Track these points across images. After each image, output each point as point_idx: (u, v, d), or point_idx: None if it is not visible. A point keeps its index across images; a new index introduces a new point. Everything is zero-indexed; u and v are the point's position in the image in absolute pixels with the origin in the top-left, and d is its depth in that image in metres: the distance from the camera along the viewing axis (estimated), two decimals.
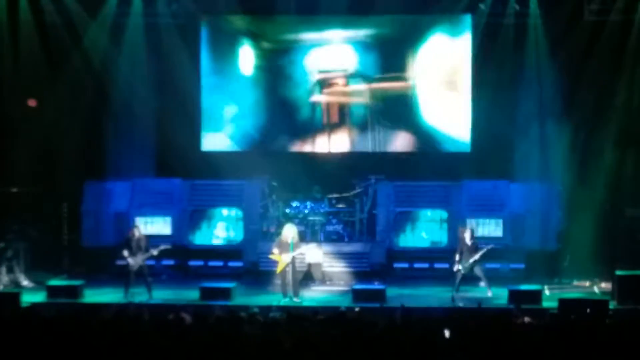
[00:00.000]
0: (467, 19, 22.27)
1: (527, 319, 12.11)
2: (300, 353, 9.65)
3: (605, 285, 18.89)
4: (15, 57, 21.85)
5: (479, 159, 21.98)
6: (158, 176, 22.53)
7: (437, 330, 10.71)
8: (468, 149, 22.38)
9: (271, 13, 22.56)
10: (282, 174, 21.81)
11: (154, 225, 21.28)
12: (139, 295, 17.85)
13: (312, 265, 20.06)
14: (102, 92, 22.17)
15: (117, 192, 21.98)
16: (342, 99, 22.72)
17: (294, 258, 18.03)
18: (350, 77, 22.66)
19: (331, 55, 22.63)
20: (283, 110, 22.73)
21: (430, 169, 21.93)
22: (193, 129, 22.72)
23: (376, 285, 18.42)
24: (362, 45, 22.56)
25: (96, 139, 22.23)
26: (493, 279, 18.66)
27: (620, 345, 10.05)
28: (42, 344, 10.08)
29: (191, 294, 18.11)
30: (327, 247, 20.64)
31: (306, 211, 21.51)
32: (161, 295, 18.28)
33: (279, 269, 17.98)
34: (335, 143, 22.78)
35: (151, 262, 19.02)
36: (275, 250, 18.08)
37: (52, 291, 17.98)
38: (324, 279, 20.22)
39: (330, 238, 21.43)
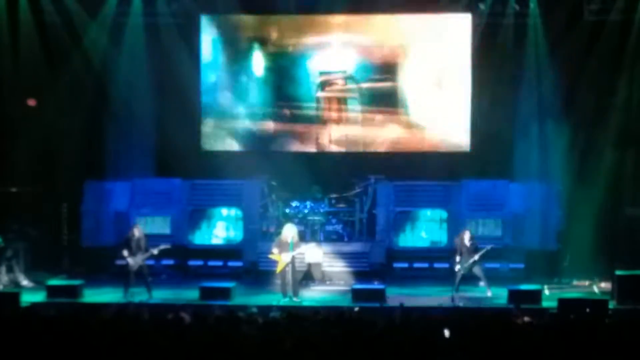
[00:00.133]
0: (467, 19, 22.26)
1: (526, 319, 12.11)
2: (300, 353, 9.65)
3: (605, 285, 18.89)
4: (15, 57, 21.85)
5: (478, 158, 21.98)
6: (158, 176, 22.53)
7: (436, 329, 10.71)
8: (468, 149, 22.38)
9: (271, 13, 22.59)
10: (282, 173, 21.79)
11: (154, 225, 21.24)
12: (139, 295, 17.85)
13: (311, 265, 20.05)
14: (102, 92, 22.17)
15: (116, 192, 21.98)
16: (342, 99, 22.71)
17: (293, 258, 18.04)
18: (350, 77, 22.65)
19: (331, 55, 22.64)
20: (283, 109, 22.71)
21: (430, 168, 21.93)
22: (193, 128, 22.72)
23: (376, 285, 18.43)
24: (362, 45, 22.56)
25: (96, 139, 22.23)
26: (493, 278, 18.66)
27: (619, 345, 10.06)
28: (42, 344, 10.09)
29: (191, 294, 18.11)
30: (327, 247, 20.62)
31: (306, 211, 21.50)
32: (161, 295, 18.28)
33: (278, 268, 17.99)
34: (335, 142, 22.78)
35: (151, 262, 19.02)
36: (275, 250, 18.08)
37: (52, 291, 17.99)
38: (324, 278, 20.21)
39: (330, 238, 21.42)
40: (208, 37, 22.84)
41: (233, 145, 22.93)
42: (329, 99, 22.70)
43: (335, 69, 22.65)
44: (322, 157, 22.66)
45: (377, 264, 21.07)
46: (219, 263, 21.46)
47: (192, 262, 21.56)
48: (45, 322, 11.46)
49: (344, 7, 22.25)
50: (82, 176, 21.83)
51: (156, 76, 22.34)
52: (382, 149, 22.59)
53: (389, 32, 22.57)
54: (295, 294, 17.93)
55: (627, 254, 19.47)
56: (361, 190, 21.78)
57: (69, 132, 21.86)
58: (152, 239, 18.85)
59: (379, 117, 22.58)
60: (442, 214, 21.68)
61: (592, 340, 10.27)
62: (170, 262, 21.05)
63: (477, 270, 18.25)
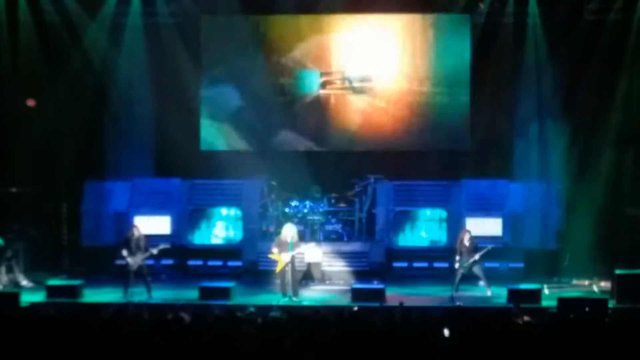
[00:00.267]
0: (467, 19, 22.27)
1: (526, 318, 12.12)
2: (300, 353, 9.66)
3: (605, 284, 18.88)
4: (15, 57, 21.87)
5: (478, 158, 21.99)
6: (157, 176, 22.54)
7: (436, 329, 10.72)
8: (468, 148, 22.39)
9: (271, 13, 22.59)
10: (281, 173, 21.79)
11: (153, 225, 21.23)
12: (138, 295, 17.85)
13: (311, 265, 20.05)
14: (102, 91, 22.18)
15: (116, 192, 21.99)
16: (342, 99, 22.72)
17: (293, 257, 18.04)
18: (351, 76, 22.66)
19: (332, 56, 22.65)
20: (283, 109, 22.72)
21: (430, 168, 21.95)
22: (192, 128, 22.73)
23: (375, 285, 18.42)
24: (362, 45, 22.58)
25: (96, 139, 22.24)
26: (492, 278, 18.65)
27: (619, 344, 10.06)
28: (42, 344, 10.09)
29: (190, 294, 18.11)
30: (327, 247, 20.62)
31: (305, 210, 21.50)
32: (160, 294, 18.28)
33: (278, 268, 17.98)
34: (335, 142, 22.80)
35: (150, 262, 19.01)
36: (275, 250, 18.08)
37: (52, 291, 17.98)
38: (324, 278, 20.21)
39: (330, 237, 21.41)
40: (208, 37, 22.84)
41: (232, 145, 22.92)
42: (329, 97, 22.69)
43: (335, 69, 22.65)
44: (321, 157, 22.66)
45: (376, 264, 21.08)
46: (219, 263, 21.47)
47: (191, 262, 21.57)
48: (45, 322, 11.47)
49: (344, 6, 22.25)
50: (82, 176, 21.84)
51: (156, 76, 22.35)
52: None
53: (388, 32, 22.57)
54: (295, 293, 17.92)
55: (627, 253, 19.47)
56: (361, 189, 21.78)
57: (69, 132, 21.87)
58: (152, 239, 18.84)
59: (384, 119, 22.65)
60: (441, 213, 21.69)
61: (591, 339, 10.27)
62: (170, 262, 21.06)
63: (477, 269, 18.26)
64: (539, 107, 21.66)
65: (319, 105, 22.75)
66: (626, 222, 20.39)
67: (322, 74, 22.67)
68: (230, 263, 21.41)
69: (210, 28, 22.88)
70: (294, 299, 17.77)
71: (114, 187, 22.03)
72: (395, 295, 17.66)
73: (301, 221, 21.12)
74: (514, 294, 17.21)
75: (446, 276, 19.71)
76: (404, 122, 22.65)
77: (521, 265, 20.78)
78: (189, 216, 21.93)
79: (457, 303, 17.15)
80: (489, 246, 18.35)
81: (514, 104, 21.80)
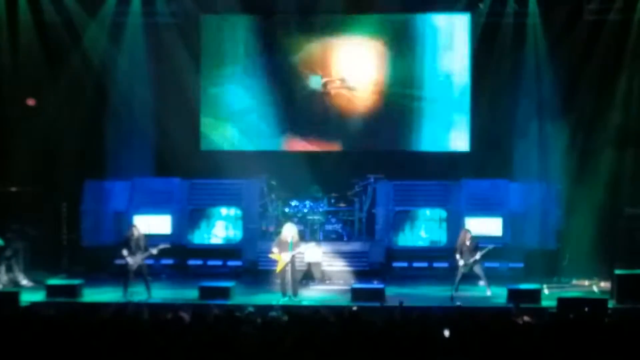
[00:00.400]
0: (466, 19, 22.27)
1: (526, 318, 12.10)
2: (300, 352, 9.66)
3: (604, 284, 18.89)
4: (15, 56, 21.86)
5: (478, 158, 22.00)
6: (157, 175, 22.55)
7: (436, 329, 10.72)
8: (467, 148, 22.40)
9: (271, 13, 22.59)
10: (281, 172, 21.81)
11: (153, 225, 21.22)
12: (138, 295, 17.85)
13: (311, 265, 20.05)
14: (102, 91, 22.18)
15: (116, 192, 21.99)
16: (342, 99, 22.72)
17: (293, 257, 18.04)
18: (350, 77, 22.66)
19: (332, 57, 22.66)
20: (283, 109, 22.72)
21: (430, 168, 21.96)
22: (192, 128, 22.74)
23: (375, 285, 18.42)
24: (362, 45, 22.58)
25: (96, 139, 22.22)
26: (492, 277, 18.65)
27: (619, 345, 10.06)
28: (42, 343, 10.09)
29: (190, 293, 18.11)
30: (326, 246, 20.62)
31: (305, 210, 21.51)
32: (160, 294, 18.28)
33: (278, 268, 17.99)
34: (335, 141, 22.81)
35: (150, 262, 19.02)
36: (275, 250, 18.08)
37: (52, 290, 17.98)
38: (323, 278, 20.21)
39: (330, 237, 21.43)
40: (208, 37, 22.83)
41: (232, 145, 22.93)
42: (329, 97, 22.70)
43: (335, 70, 22.66)
44: (321, 157, 22.66)
45: (376, 264, 21.08)
46: (219, 262, 21.47)
47: (191, 262, 21.57)
48: (45, 321, 11.46)
49: (343, 6, 22.24)
50: (82, 176, 21.84)
51: (156, 76, 22.36)
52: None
53: (388, 31, 22.58)
54: (295, 293, 17.93)
55: (627, 253, 19.45)
56: (360, 189, 21.78)
57: (69, 131, 21.87)
58: (152, 239, 18.85)
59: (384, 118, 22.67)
60: (441, 213, 21.69)
61: (591, 339, 10.27)
62: (170, 261, 21.06)
63: (477, 269, 18.26)
64: (539, 107, 21.67)
65: (319, 105, 22.74)
66: (626, 222, 20.37)
67: (322, 75, 22.66)
68: (230, 263, 21.42)
69: (210, 28, 22.87)
70: (294, 298, 17.78)
71: (113, 186, 22.03)
72: (395, 295, 17.66)
73: (301, 221, 21.13)
74: (513, 294, 17.21)
75: (446, 276, 19.72)
76: (404, 122, 22.65)
77: (521, 265, 20.79)
78: (189, 216, 21.93)
79: (457, 303, 17.15)
80: (490, 246, 18.36)
81: (513, 104, 21.80)
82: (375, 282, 19.07)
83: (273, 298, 17.78)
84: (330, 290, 19.38)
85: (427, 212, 21.84)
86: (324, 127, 22.78)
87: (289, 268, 17.94)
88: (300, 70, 22.69)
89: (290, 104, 22.73)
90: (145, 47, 22.35)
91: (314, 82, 22.66)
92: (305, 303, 17.54)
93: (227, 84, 22.88)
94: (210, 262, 21.50)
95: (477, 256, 18.10)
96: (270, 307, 15.35)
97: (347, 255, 20.75)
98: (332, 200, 21.84)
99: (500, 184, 21.57)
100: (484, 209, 21.24)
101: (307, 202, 21.58)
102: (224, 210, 22.16)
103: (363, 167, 22.16)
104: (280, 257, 17.93)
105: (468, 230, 18.59)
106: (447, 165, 22.05)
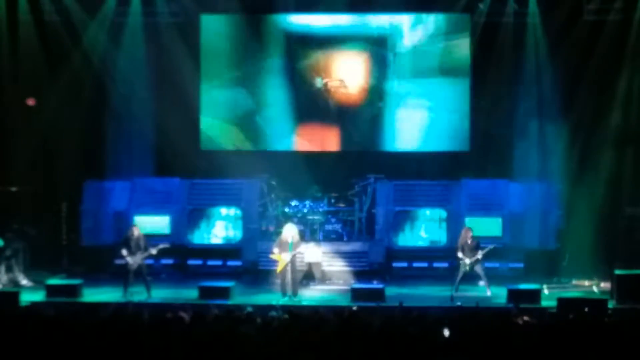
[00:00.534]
0: (466, 19, 22.27)
1: (526, 318, 12.09)
2: (299, 352, 9.65)
3: (604, 285, 18.88)
4: (15, 56, 21.86)
5: (478, 158, 22.00)
6: (157, 175, 22.55)
7: (436, 329, 10.72)
8: (467, 148, 22.40)
9: (270, 12, 22.59)
10: (281, 172, 21.81)
11: (153, 225, 21.22)
12: (138, 294, 17.86)
13: (312, 265, 20.04)
14: (102, 91, 22.19)
15: (116, 191, 22.00)
16: (343, 98, 22.73)
17: (293, 257, 18.04)
18: (350, 77, 22.67)
19: (332, 59, 22.67)
20: (283, 109, 22.73)
21: (430, 168, 21.96)
22: (192, 128, 22.73)
23: (375, 285, 18.43)
24: (362, 44, 22.58)
25: (96, 139, 22.23)
26: (492, 277, 18.65)
27: (619, 345, 10.06)
28: (41, 343, 10.09)
29: (190, 293, 18.11)
30: (326, 246, 20.62)
31: (305, 210, 21.51)
32: (160, 294, 18.28)
33: (279, 268, 17.99)
34: (335, 141, 22.80)
35: (150, 261, 19.03)
36: (276, 250, 18.09)
37: (51, 290, 17.97)
38: (323, 278, 20.21)
39: (329, 237, 21.41)
40: (208, 37, 22.83)
41: (232, 145, 22.92)
42: (329, 97, 22.71)
43: (335, 71, 22.67)
44: (321, 157, 22.66)
45: (376, 264, 21.08)
46: (218, 262, 21.47)
47: (191, 262, 21.57)
48: (45, 321, 11.45)
49: (342, 6, 22.24)
50: (81, 176, 21.84)
51: (156, 76, 22.36)
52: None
53: (387, 31, 22.58)
54: (295, 293, 17.93)
55: (627, 253, 19.45)
56: (360, 189, 21.77)
57: (69, 131, 21.88)
58: (152, 239, 18.85)
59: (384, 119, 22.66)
60: (441, 213, 21.69)
61: (591, 339, 10.27)
62: (170, 261, 21.07)
63: (478, 268, 18.26)
64: (538, 107, 21.67)
65: (319, 105, 22.74)
66: (626, 222, 20.38)
67: (323, 76, 22.67)
68: (230, 263, 21.42)
69: (210, 28, 22.87)
70: (294, 298, 17.77)
71: (113, 186, 22.03)
72: (395, 295, 17.66)
73: (301, 221, 21.12)
74: (513, 294, 17.21)
75: (446, 276, 19.72)
76: (404, 122, 22.65)
77: (521, 265, 20.79)
78: (189, 216, 21.93)
79: (457, 303, 17.15)
80: (492, 245, 18.36)
81: (513, 104, 21.80)
82: (375, 282, 19.07)
83: (273, 298, 17.78)
84: (330, 290, 19.38)
85: (427, 212, 21.84)
86: (325, 127, 22.76)
87: (289, 268, 17.94)
88: (301, 70, 22.67)
89: (290, 101, 22.72)
90: (145, 47, 22.35)
91: (316, 82, 22.67)
92: (305, 303, 17.53)
93: (227, 83, 22.86)
94: (210, 262, 21.50)
95: (479, 255, 18.11)
96: (270, 307, 15.34)
97: (347, 255, 20.74)
98: (332, 200, 21.83)
99: (500, 184, 21.58)
100: (484, 209, 21.24)
101: (307, 202, 21.58)
102: (223, 210, 22.16)
103: (363, 167, 22.15)
104: (281, 258, 17.93)
105: (470, 229, 18.59)
106: (447, 165, 22.05)
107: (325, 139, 22.83)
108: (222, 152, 22.68)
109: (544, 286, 18.46)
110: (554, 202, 21.09)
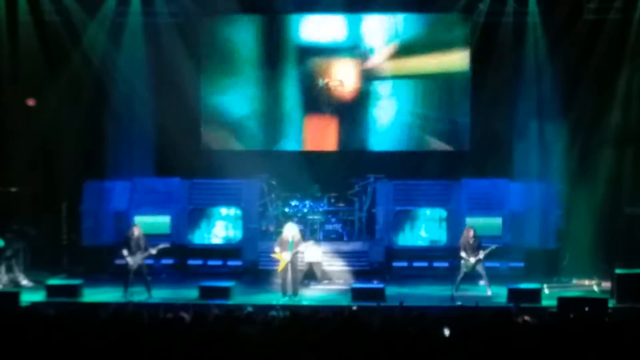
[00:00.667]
0: (467, 19, 22.26)
1: (526, 318, 12.11)
2: (300, 352, 9.65)
3: (605, 284, 18.88)
4: (15, 57, 21.86)
5: (478, 157, 22.00)
6: (157, 175, 22.52)
7: (436, 328, 10.72)
8: (467, 148, 22.40)
9: (270, 12, 22.59)
10: (281, 172, 21.81)
11: (153, 224, 21.20)
12: (138, 295, 17.86)
13: (312, 264, 20.04)
14: (102, 91, 22.18)
15: (116, 191, 21.98)
16: (343, 98, 22.73)
17: (294, 256, 18.04)
18: (350, 77, 22.66)
19: (332, 55, 22.68)
20: (283, 109, 22.73)
21: (430, 167, 21.95)
22: (192, 127, 22.73)
23: (375, 284, 18.43)
24: (362, 45, 22.59)
25: (96, 139, 22.22)
26: (492, 277, 18.64)
27: (619, 344, 10.06)
28: (42, 343, 10.09)
29: (190, 293, 18.11)
30: (326, 246, 20.62)
31: (305, 210, 21.50)
32: (160, 294, 18.28)
33: (280, 267, 18.00)
34: (335, 141, 22.80)
35: (150, 261, 19.04)
36: (277, 249, 18.11)
37: (52, 290, 17.98)
38: (323, 277, 20.21)
39: (330, 237, 21.41)
40: (208, 37, 22.83)
41: (232, 145, 22.93)
42: (329, 97, 22.72)
43: (335, 72, 22.68)
44: (321, 156, 22.66)
45: (376, 263, 21.08)
46: (219, 262, 21.47)
47: (191, 262, 21.56)
48: (45, 321, 11.46)
49: (344, 6, 22.25)
50: (81, 176, 21.84)
51: (156, 76, 22.34)
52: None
53: (387, 31, 22.58)
54: (295, 293, 17.94)
55: (627, 253, 19.46)
56: (360, 189, 21.77)
57: (69, 131, 21.87)
58: (152, 239, 18.85)
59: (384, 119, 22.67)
60: (441, 213, 21.68)
61: (591, 339, 10.27)
62: (170, 261, 21.07)
63: (480, 268, 18.27)
64: (539, 107, 21.66)
65: (319, 105, 22.74)
66: (626, 222, 20.39)
67: (323, 76, 22.67)
68: (230, 262, 21.41)
69: (210, 28, 22.87)
70: (294, 298, 17.78)
71: (114, 186, 22.01)
72: (395, 295, 17.66)
73: (301, 221, 21.11)
74: (514, 294, 17.21)
75: (446, 276, 19.74)
76: (404, 122, 22.65)
77: (521, 264, 20.80)
78: (189, 216, 21.92)
79: (457, 303, 17.15)
80: (494, 245, 18.37)
81: (514, 104, 21.80)
82: (375, 281, 19.08)
83: (273, 298, 17.79)
84: (330, 290, 19.38)
85: (427, 211, 21.83)
86: (325, 127, 22.77)
87: (289, 267, 17.95)
88: (301, 70, 22.67)
89: (290, 101, 22.73)
90: (145, 47, 22.33)
91: (316, 81, 22.68)
92: (305, 303, 17.54)
93: (227, 83, 22.85)
94: (210, 262, 21.49)
95: (481, 255, 18.12)
96: (270, 307, 15.35)
97: (347, 255, 20.75)
98: (332, 200, 21.82)
99: (501, 183, 21.57)
100: (484, 208, 21.24)
101: (307, 202, 21.57)
102: (224, 210, 22.15)
103: (363, 166, 22.15)
104: (282, 257, 17.94)
105: (471, 228, 18.59)
106: (447, 165, 22.04)
107: (326, 131, 22.76)
108: (222, 152, 22.66)
109: (544, 286, 18.46)
110: (554, 201, 21.09)
